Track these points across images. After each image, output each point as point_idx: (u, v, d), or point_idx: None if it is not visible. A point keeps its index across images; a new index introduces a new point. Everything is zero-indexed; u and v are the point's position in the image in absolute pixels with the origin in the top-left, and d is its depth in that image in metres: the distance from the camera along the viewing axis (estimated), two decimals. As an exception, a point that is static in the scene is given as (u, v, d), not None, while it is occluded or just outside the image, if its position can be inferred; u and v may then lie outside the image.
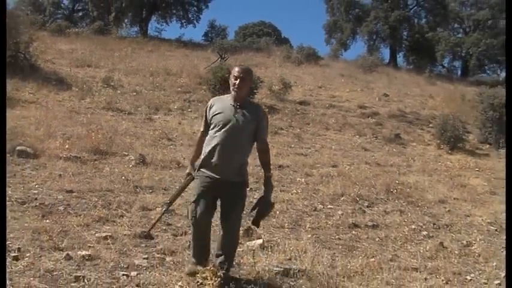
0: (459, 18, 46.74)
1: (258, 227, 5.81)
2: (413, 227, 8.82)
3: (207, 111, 5.55)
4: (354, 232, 8.22)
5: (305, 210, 9.05)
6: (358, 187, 10.76)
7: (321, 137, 16.23)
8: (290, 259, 6.51)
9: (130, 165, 10.28)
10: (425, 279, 6.54)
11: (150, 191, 8.95)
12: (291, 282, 5.82)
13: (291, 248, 6.81)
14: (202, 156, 5.47)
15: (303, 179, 11.03)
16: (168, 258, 6.17)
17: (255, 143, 5.53)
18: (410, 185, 11.64)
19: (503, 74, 44.55)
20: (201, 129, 5.66)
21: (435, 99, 24.10)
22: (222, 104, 5.47)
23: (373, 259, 7.01)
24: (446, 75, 41.22)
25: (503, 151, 16.69)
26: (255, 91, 18.08)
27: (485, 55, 44.20)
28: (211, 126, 5.43)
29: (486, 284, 6.64)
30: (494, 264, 7.41)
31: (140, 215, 7.71)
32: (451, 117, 17.65)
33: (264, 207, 5.54)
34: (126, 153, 11.04)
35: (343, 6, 45.77)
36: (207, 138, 5.48)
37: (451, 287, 6.42)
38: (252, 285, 5.47)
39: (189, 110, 16.70)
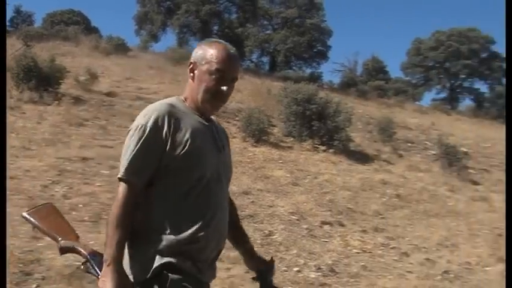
0: (268, 15, 47.98)
1: None
2: (217, 218, 8.89)
3: (164, 138, 2.67)
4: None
5: (108, 203, 8.83)
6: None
7: (127, 129, 15.92)
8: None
9: None
10: (228, 268, 6.63)
11: None
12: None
13: (92, 242, 6.61)
14: (177, 239, 2.54)
15: (107, 171, 10.75)
16: None
17: None
18: (216, 176, 11.73)
19: (308, 70, 46.77)
20: (138, 180, 2.63)
21: (242, 93, 24.48)
22: (188, 122, 2.67)
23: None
24: (255, 70, 42.22)
25: (305, 144, 17.35)
26: (61, 81, 17.48)
27: (292, 52, 45.89)
28: (178, 172, 2.59)
29: (286, 271, 6.86)
30: (295, 252, 7.69)
31: None
32: (256, 110, 18.00)
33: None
34: None
35: (155, -2, 45.55)
36: (172, 198, 2.58)
37: (251, 275, 6.53)
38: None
39: (-11, 99, 15.74)
